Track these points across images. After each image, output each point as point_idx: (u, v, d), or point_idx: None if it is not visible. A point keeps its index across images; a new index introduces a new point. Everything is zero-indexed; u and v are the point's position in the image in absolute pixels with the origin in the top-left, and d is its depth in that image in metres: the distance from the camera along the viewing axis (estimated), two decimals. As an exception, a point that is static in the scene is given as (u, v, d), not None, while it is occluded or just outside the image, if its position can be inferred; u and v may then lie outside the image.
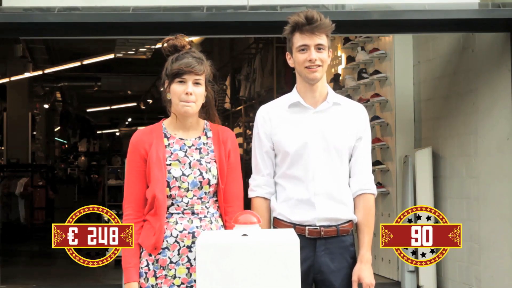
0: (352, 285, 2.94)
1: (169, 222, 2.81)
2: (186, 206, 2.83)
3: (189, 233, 2.80)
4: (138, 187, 2.86)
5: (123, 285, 2.88)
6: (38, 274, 8.32)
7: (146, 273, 2.82)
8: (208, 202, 2.86)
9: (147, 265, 2.82)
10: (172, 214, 2.82)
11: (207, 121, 2.96)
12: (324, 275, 2.93)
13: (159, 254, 2.81)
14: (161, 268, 2.81)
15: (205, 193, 2.85)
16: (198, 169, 2.83)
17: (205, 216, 2.84)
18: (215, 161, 2.87)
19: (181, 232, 2.80)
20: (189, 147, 2.87)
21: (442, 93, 6.67)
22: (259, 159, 3.03)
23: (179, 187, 2.81)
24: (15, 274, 7.96)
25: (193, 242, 2.79)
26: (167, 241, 2.80)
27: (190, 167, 2.83)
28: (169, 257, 2.80)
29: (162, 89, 2.93)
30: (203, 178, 2.83)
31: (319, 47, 2.90)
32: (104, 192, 13.98)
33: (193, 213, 2.83)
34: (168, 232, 2.81)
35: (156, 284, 2.80)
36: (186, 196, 2.82)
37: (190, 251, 2.79)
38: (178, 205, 2.83)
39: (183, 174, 2.82)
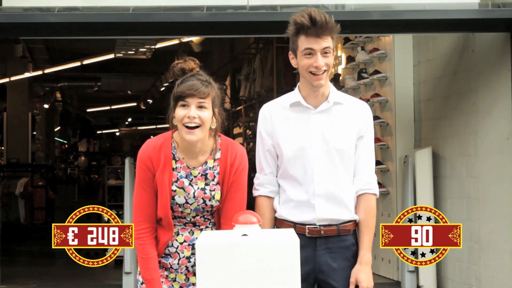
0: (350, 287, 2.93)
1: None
2: (189, 221, 2.86)
3: (189, 245, 2.84)
4: (150, 202, 2.81)
5: (138, 283, 2.87)
6: (38, 274, 8.32)
7: None
8: (210, 215, 2.88)
9: None
10: (174, 225, 2.85)
11: (218, 135, 2.85)
12: (325, 274, 2.91)
13: (162, 258, 2.85)
14: (163, 268, 2.86)
15: (207, 211, 2.86)
16: (202, 198, 2.81)
17: (206, 227, 2.87)
18: (219, 184, 2.84)
19: (181, 244, 2.84)
20: (195, 176, 2.81)
21: (442, 93, 6.67)
22: (262, 158, 3.01)
23: (181, 211, 2.83)
24: (15, 274, 7.96)
25: (192, 253, 2.82)
26: (168, 250, 2.85)
27: (194, 197, 2.80)
28: (169, 263, 2.85)
29: (168, 114, 2.81)
30: (206, 205, 2.83)
31: (325, 51, 2.85)
32: (104, 192, 13.98)
33: (194, 225, 2.86)
34: (169, 242, 2.84)
35: None
36: (189, 215, 2.85)
37: (189, 261, 2.84)
38: (180, 220, 2.85)
39: (187, 202, 2.81)
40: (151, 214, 2.81)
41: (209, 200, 2.81)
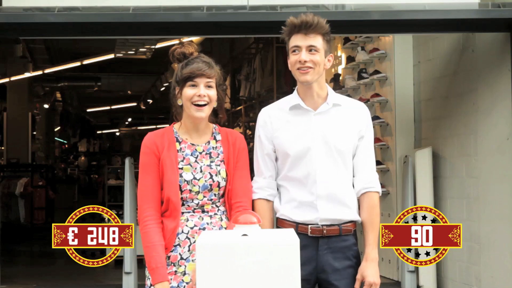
0: (355, 283, 2.94)
1: (181, 220, 2.85)
2: (197, 206, 2.88)
3: (199, 229, 2.85)
4: (156, 188, 2.87)
5: (147, 284, 2.86)
6: (38, 274, 8.32)
7: None
8: (218, 202, 2.92)
9: None
10: (183, 213, 2.87)
11: (216, 124, 3.02)
12: (327, 274, 2.93)
13: (171, 251, 2.84)
14: (172, 264, 2.84)
15: (215, 194, 2.90)
16: (209, 173, 2.88)
17: (215, 214, 2.90)
18: (224, 163, 2.92)
19: (192, 228, 2.85)
20: (200, 153, 2.92)
21: (442, 93, 6.67)
22: (261, 161, 3.04)
23: (190, 190, 2.86)
24: (15, 274, 7.96)
25: None
26: (178, 238, 2.84)
27: (201, 171, 2.88)
28: (179, 254, 2.84)
29: (172, 95, 2.97)
30: (213, 181, 2.88)
31: (311, 49, 2.89)
32: (104, 192, 14.00)
33: (203, 212, 2.88)
34: (179, 229, 2.85)
35: None
36: (196, 198, 2.87)
37: None
38: (189, 205, 2.87)
39: (194, 178, 2.87)
40: (155, 200, 2.85)
41: (216, 176, 2.88)
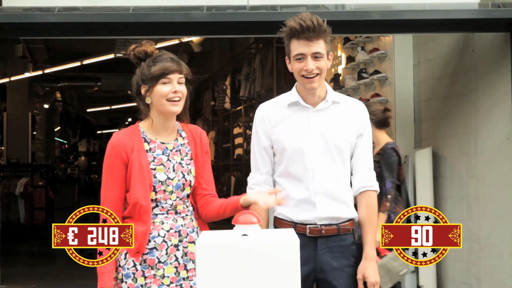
0: (354, 283, 2.95)
1: (155, 222, 2.84)
2: (170, 207, 2.87)
3: (175, 232, 2.84)
4: (117, 191, 2.85)
5: None
6: (38, 274, 8.33)
7: (134, 273, 2.83)
8: (187, 201, 2.91)
9: (134, 265, 2.84)
10: (156, 215, 2.85)
11: (177, 121, 2.97)
12: (326, 273, 2.94)
13: (147, 254, 2.83)
14: (150, 267, 2.83)
15: (187, 194, 2.90)
16: (181, 172, 2.87)
17: (186, 215, 2.89)
18: (192, 160, 2.92)
19: (168, 231, 2.84)
20: (171, 150, 2.89)
21: (442, 93, 6.67)
22: (258, 157, 3.04)
23: (164, 190, 2.85)
24: (15, 274, 7.97)
25: (179, 241, 2.84)
26: (155, 241, 2.83)
27: (174, 170, 2.86)
28: (157, 257, 2.83)
29: (136, 95, 2.93)
30: (186, 180, 2.88)
31: (316, 56, 2.88)
32: (104, 192, 13.94)
33: (176, 213, 2.87)
34: (155, 232, 2.83)
35: (145, 283, 2.82)
36: (170, 199, 2.86)
37: (178, 249, 2.84)
38: (162, 207, 2.86)
39: (168, 178, 2.85)
40: (115, 204, 2.83)
41: (187, 174, 2.87)
